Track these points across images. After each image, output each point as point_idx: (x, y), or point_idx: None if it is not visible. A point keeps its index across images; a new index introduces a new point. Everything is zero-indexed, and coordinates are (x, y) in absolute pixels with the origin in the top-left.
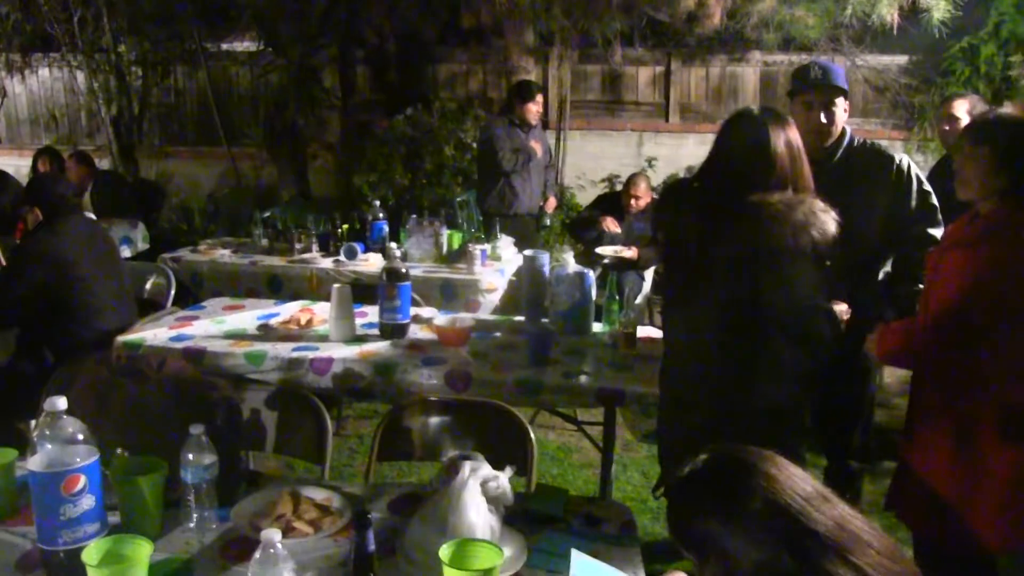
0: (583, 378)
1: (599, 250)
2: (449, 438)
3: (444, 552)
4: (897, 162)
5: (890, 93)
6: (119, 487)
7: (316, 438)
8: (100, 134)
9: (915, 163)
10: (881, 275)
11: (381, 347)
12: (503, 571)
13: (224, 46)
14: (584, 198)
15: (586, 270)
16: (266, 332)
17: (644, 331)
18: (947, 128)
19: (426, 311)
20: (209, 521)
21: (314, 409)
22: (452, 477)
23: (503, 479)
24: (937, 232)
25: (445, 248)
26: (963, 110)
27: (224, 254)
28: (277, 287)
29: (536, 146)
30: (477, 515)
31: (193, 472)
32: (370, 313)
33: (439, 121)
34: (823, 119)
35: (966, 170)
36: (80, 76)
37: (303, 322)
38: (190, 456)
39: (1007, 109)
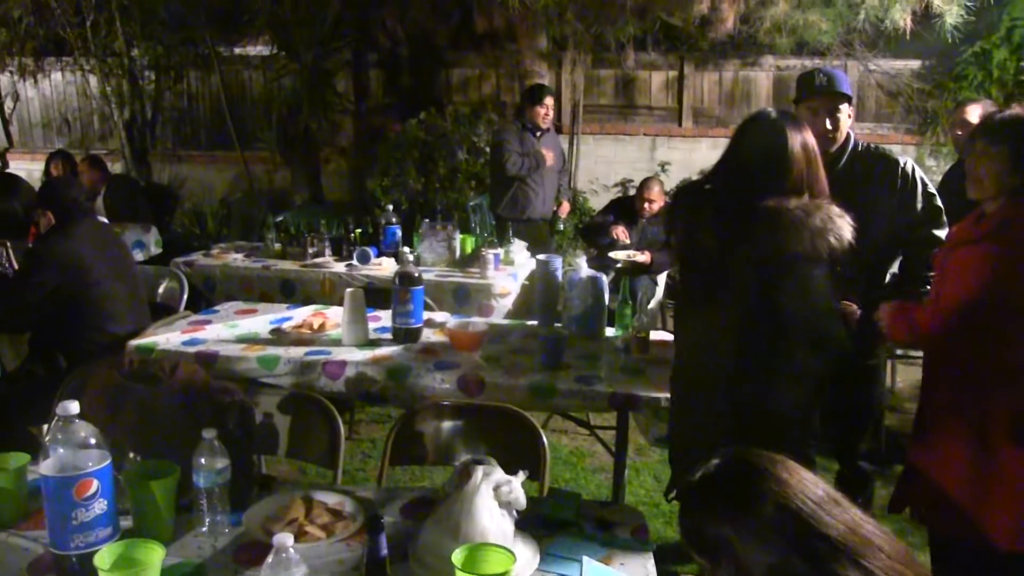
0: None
1: (612, 254)
2: (461, 442)
3: (457, 556)
4: (901, 165)
5: (903, 98)
6: (131, 491)
7: (329, 442)
8: (113, 138)
9: (928, 168)
10: (888, 277)
11: (394, 351)
12: None
13: (237, 50)
14: (597, 203)
15: (599, 274)
16: (279, 336)
17: (657, 335)
18: (960, 133)
19: (439, 315)
20: (221, 526)
21: (327, 413)
22: (465, 481)
23: (516, 483)
24: (942, 233)
25: (458, 252)
26: (976, 115)
27: (237, 258)
28: (290, 291)
29: (548, 152)
30: (490, 519)
31: (205, 476)
32: (383, 317)
33: (452, 125)
34: (828, 125)
35: (980, 168)
36: (93, 80)
37: (316, 326)
38: (202, 460)
39: (1016, 109)
